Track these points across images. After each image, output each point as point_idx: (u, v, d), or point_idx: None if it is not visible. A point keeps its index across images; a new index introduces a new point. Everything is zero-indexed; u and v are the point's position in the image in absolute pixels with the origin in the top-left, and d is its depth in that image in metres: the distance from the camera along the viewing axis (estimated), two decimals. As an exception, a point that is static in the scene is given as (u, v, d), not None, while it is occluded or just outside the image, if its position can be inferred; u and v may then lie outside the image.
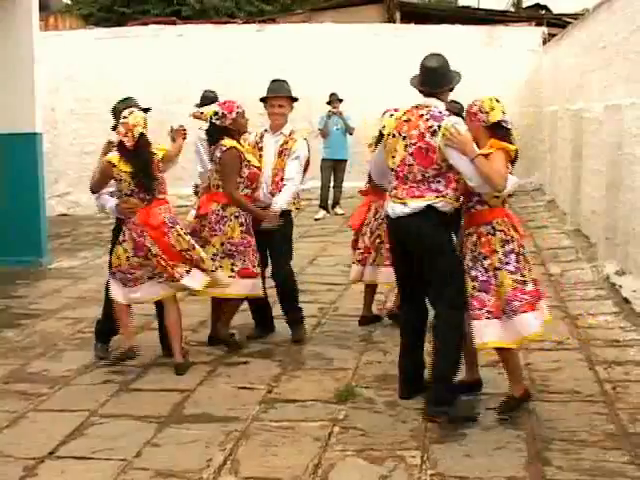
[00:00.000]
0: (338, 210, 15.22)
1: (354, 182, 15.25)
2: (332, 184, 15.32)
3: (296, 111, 17.90)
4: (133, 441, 5.15)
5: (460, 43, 17.83)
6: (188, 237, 6.57)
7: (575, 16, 18.25)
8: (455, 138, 5.20)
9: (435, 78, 5.43)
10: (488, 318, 5.31)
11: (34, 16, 11.14)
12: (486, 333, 5.32)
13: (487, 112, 5.33)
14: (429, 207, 5.31)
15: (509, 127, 5.39)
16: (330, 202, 15.32)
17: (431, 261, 5.36)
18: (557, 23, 19.71)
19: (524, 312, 5.27)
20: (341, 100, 15.09)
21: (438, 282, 5.39)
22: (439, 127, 5.25)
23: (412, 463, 4.74)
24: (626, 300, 7.91)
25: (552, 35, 17.60)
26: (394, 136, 5.48)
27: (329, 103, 15.15)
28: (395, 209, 5.45)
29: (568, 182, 12.77)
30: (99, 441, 5.17)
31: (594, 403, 5.58)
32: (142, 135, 6.44)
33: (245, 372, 6.47)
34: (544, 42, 18.20)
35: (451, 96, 5.80)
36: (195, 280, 6.54)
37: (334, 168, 15.17)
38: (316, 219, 14.68)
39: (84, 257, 11.79)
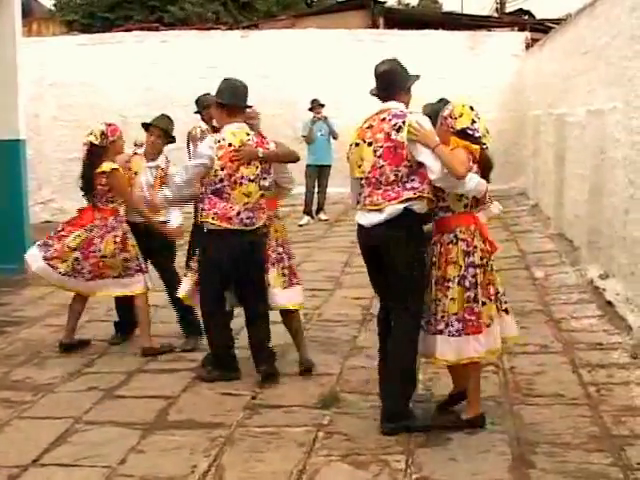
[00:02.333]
0: (322, 216, 15.22)
1: (338, 188, 15.30)
2: (316, 190, 15.32)
3: (280, 117, 17.94)
4: (117, 448, 5.13)
5: (444, 48, 17.94)
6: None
7: (558, 21, 18.32)
8: (418, 132, 5.18)
9: (385, 81, 5.48)
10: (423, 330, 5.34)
11: (17, 22, 11.10)
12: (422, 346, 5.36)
13: (455, 118, 5.30)
14: (406, 210, 5.22)
15: (477, 135, 5.27)
16: (314, 208, 15.32)
17: (400, 269, 5.28)
18: (540, 28, 19.80)
19: (467, 334, 5.17)
20: (323, 105, 15.10)
21: (403, 290, 5.31)
22: (403, 123, 5.24)
23: (397, 467, 4.75)
24: (609, 303, 7.94)
25: (535, 40, 17.69)
26: (357, 145, 5.45)
27: (311, 109, 15.17)
28: (370, 217, 5.34)
29: (551, 186, 12.82)
30: (83, 448, 5.16)
31: (578, 406, 5.60)
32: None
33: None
34: (527, 47, 18.28)
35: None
36: None
37: (318, 174, 15.17)
38: (300, 225, 14.67)
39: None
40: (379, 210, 5.29)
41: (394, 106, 5.41)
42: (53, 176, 17.03)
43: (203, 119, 9.22)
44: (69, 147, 16.77)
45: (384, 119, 5.35)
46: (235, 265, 6.36)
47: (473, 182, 5.15)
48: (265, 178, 6.40)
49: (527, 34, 18.91)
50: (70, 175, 16.91)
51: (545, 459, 4.78)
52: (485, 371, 6.31)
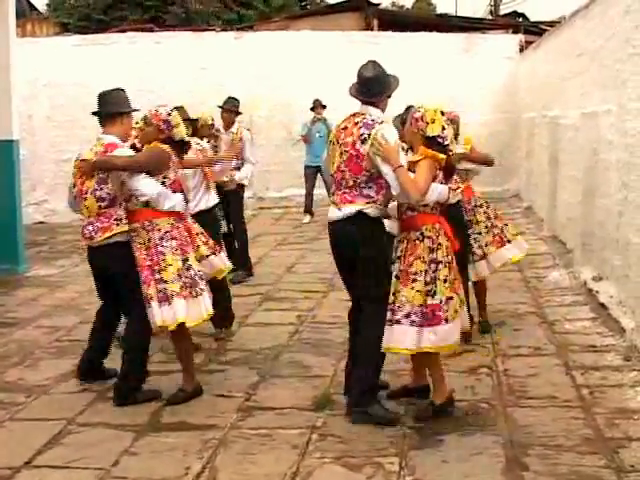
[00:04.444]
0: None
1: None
2: (316, 191, 15.30)
3: (274, 118, 17.91)
4: (110, 450, 5.13)
5: (438, 50, 17.93)
6: None
7: (552, 24, 18.37)
8: (381, 147, 5.31)
9: (370, 87, 5.54)
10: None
11: (11, 23, 11.08)
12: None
13: (427, 123, 5.42)
14: (359, 212, 5.44)
15: (445, 144, 5.42)
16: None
17: (361, 262, 5.47)
18: (534, 31, 19.83)
19: (421, 326, 5.32)
20: (324, 106, 15.07)
21: (364, 283, 5.51)
22: (369, 135, 5.38)
23: (390, 469, 4.75)
24: (603, 306, 7.95)
25: (529, 42, 17.70)
26: (333, 144, 5.64)
27: (313, 109, 15.16)
28: (331, 213, 5.62)
29: (545, 189, 12.83)
30: (76, 450, 5.15)
31: (571, 408, 5.60)
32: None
33: (223, 380, 6.46)
34: (521, 49, 18.30)
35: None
36: None
37: (316, 175, 15.15)
38: (304, 223, 14.78)
39: (61, 265, 11.73)
40: (338, 208, 5.53)
41: (369, 112, 5.53)
42: (46, 177, 16.97)
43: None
44: (63, 148, 16.73)
45: (357, 123, 5.50)
46: (98, 281, 6.41)
47: (434, 194, 5.38)
48: (101, 189, 6.02)
49: (521, 36, 18.93)
50: (64, 176, 16.92)
51: (538, 461, 4.78)
52: (478, 373, 6.35)
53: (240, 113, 10.33)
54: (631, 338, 6.90)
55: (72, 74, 17.20)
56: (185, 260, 6.01)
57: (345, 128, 5.56)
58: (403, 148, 5.68)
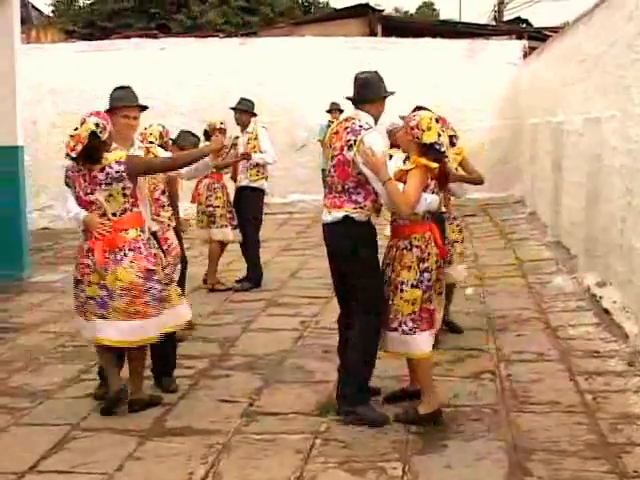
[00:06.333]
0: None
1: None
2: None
3: (278, 124, 17.91)
4: (114, 455, 5.13)
5: (441, 56, 17.97)
6: None
7: (555, 29, 18.40)
8: (370, 159, 5.34)
9: (359, 90, 5.65)
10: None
11: (16, 29, 11.11)
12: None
13: (423, 130, 5.39)
14: (346, 217, 5.50)
15: (442, 150, 5.41)
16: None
17: (349, 267, 5.58)
18: (537, 36, 19.88)
19: (423, 330, 5.43)
20: (341, 110, 15.00)
21: (355, 288, 5.58)
22: (355, 142, 5.44)
23: (393, 474, 4.75)
24: (606, 311, 7.94)
25: (532, 48, 17.73)
26: (328, 147, 5.76)
27: (329, 112, 15.13)
28: (323, 216, 5.73)
29: (548, 194, 12.84)
30: (80, 455, 5.15)
31: (575, 413, 5.60)
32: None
33: (227, 385, 6.47)
34: (525, 55, 18.32)
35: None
36: None
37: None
38: None
39: (65, 271, 11.69)
40: (328, 212, 5.63)
41: (359, 117, 5.61)
42: (51, 183, 16.96)
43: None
44: (67, 154, 16.77)
45: (346, 128, 5.57)
46: None
47: (424, 204, 5.40)
48: None
49: (525, 42, 18.96)
50: (68, 182, 16.98)
51: (541, 467, 4.78)
52: (482, 378, 6.36)
53: (255, 114, 10.23)
54: (634, 343, 6.90)
55: (77, 80, 17.26)
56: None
57: (337, 132, 5.65)
58: (390, 156, 5.76)
